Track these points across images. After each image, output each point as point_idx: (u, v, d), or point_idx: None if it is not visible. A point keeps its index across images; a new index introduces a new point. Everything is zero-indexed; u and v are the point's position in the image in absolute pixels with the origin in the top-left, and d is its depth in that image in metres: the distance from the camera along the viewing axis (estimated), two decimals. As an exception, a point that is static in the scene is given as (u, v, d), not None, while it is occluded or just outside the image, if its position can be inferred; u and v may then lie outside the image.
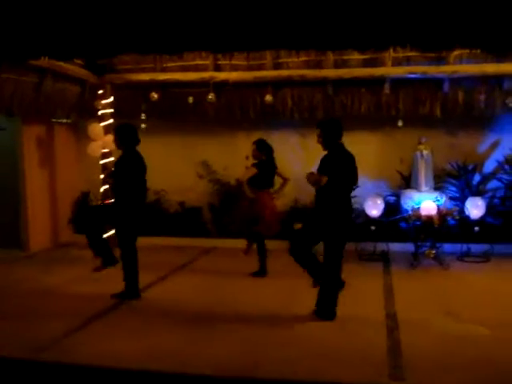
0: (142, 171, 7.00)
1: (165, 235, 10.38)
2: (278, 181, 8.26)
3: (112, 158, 10.07)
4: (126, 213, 6.93)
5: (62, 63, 8.76)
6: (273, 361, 5.04)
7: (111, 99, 10.18)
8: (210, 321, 6.17)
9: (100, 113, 10.09)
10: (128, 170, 6.91)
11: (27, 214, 10.07)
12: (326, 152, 6.23)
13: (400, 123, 9.63)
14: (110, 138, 9.90)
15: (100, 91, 10.09)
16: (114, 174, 7.09)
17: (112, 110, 10.19)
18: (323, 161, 6.19)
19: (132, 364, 4.96)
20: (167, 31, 4.42)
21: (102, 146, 9.93)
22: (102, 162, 10.07)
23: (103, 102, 10.07)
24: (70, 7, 4.20)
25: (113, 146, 9.82)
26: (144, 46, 4.84)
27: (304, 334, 5.72)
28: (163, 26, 4.37)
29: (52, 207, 10.77)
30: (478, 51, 8.67)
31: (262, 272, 8.02)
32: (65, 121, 10.76)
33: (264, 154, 7.91)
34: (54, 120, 10.56)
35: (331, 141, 6.15)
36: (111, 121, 10.12)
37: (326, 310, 6.20)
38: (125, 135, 7.01)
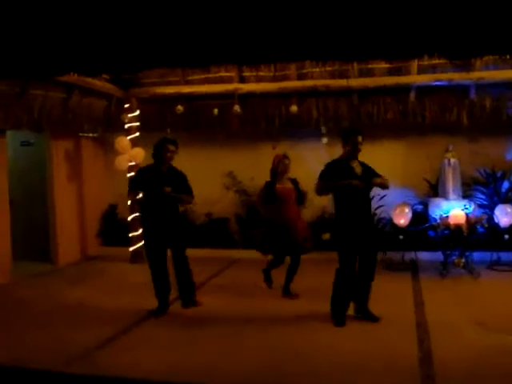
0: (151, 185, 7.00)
1: (192, 247, 10.39)
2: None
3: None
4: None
5: (88, 78, 8.88)
6: (301, 373, 5.02)
7: (137, 113, 10.28)
8: (238, 333, 6.17)
9: (126, 126, 10.21)
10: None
11: (56, 227, 10.20)
12: (357, 159, 6.52)
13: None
14: (136, 151, 10.00)
15: (126, 105, 10.20)
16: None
17: (138, 124, 10.29)
18: (368, 167, 6.55)
19: (161, 376, 4.97)
20: (193, 45, 4.45)
21: (129, 159, 10.02)
22: (128, 175, 10.16)
23: (129, 115, 10.18)
24: (96, 24, 4.26)
25: (139, 159, 9.96)
26: (170, 60, 4.88)
27: (333, 345, 5.69)
28: (189, 39, 4.40)
29: (80, 220, 10.89)
30: (508, 57, 8.58)
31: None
32: (92, 135, 10.91)
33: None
34: (81, 134, 10.70)
35: None
36: (137, 134, 10.22)
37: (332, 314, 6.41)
38: (154, 150, 7.13)
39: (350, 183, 6.27)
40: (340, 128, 9.32)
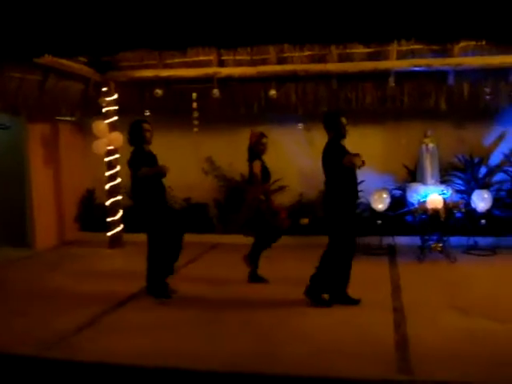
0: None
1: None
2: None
3: (117, 155, 10.08)
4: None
5: (65, 61, 8.76)
6: (282, 357, 5.03)
7: (115, 96, 10.18)
8: (216, 318, 6.17)
9: (104, 110, 10.10)
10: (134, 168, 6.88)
11: (33, 212, 10.09)
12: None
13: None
14: (114, 135, 9.91)
15: (104, 88, 10.09)
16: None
17: (116, 107, 10.19)
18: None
19: (139, 361, 4.95)
20: (170, 27, 4.40)
21: (107, 143, 9.94)
22: (106, 159, 10.08)
23: (107, 99, 10.06)
24: (72, 4, 4.19)
25: (117, 143, 9.87)
26: (147, 42, 4.84)
27: (312, 330, 5.71)
28: (166, 22, 4.36)
29: (57, 205, 10.79)
30: (483, 43, 8.63)
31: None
32: (69, 119, 10.78)
33: None
34: (58, 118, 10.57)
35: None
36: (115, 118, 10.12)
37: (315, 293, 6.49)
38: (131, 134, 7.03)
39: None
40: (320, 112, 9.33)
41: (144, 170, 6.68)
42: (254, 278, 7.64)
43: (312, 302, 6.47)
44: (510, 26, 3.86)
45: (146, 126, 7.03)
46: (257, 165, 7.44)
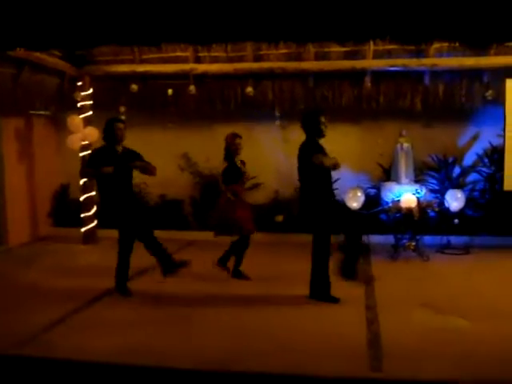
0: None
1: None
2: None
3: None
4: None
5: (39, 54, 8.66)
6: (252, 354, 5.02)
7: (90, 91, 10.09)
8: (190, 314, 6.15)
9: (79, 105, 10.01)
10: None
11: (6, 207, 9.94)
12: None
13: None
14: (89, 130, 9.83)
15: (79, 83, 10.00)
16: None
17: (91, 102, 10.10)
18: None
19: (111, 358, 4.92)
20: (146, 22, 4.37)
21: (82, 138, 9.85)
22: (81, 154, 9.98)
23: (82, 93, 9.97)
24: (45, -3, 4.15)
25: (92, 139, 9.78)
26: (123, 37, 4.78)
27: (284, 328, 5.71)
28: (142, 17, 4.32)
29: (31, 200, 10.66)
30: (457, 44, 8.72)
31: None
32: (43, 113, 10.65)
33: None
34: (32, 112, 10.44)
35: None
36: (90, 113, 10.04)
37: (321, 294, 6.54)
38: (104, 131, 7.04)
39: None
40: (296, 110, 9.36)
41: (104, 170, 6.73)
42: (237, 273, 7.67)
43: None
44: (482, 29, 3.91)
45: (119, 125, 7.03)
46: (223, 166, 7.56)
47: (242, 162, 7.65)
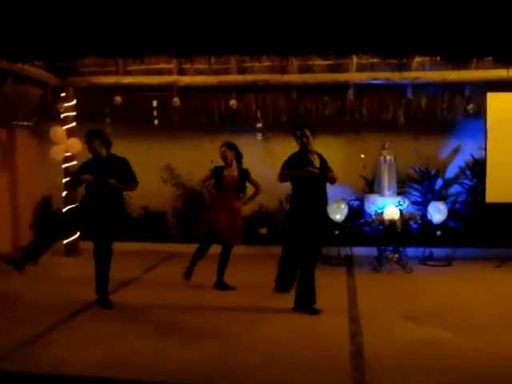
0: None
1: (128, 240, 10.25)
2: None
3: (74, 162, 9.94)
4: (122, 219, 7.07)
5: (22, 65, 8.61)
6: (236, 367, 5.01)
7: (74, 102, 10.06)
8: (173, 327, 6.12)
9: (62, 116, 9.97)
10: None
11: (-13, 218, 9.88)
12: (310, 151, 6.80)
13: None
14: (72, 141, 9.78)
15: (62, 94, 9.96)
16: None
17: (75, 113, 10.07)
18: (325, 161, 6.90)
19: (91, 372, 4.87)
20: (129, 35, 4.38)
21: (65, 149, 9.79)
22: (64, 165, 9.93)
23: (66, 104, 9.94)
24: (27, 8, 4.13)
25: (75, 150, 9.73)
26: (106, 49, 4.78)
27: (266, 340, 5.70)
28: (125, 29, 4.33)
29: (13, 212, 10.56)
30: (438, 59, 8.81)
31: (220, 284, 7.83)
32: (26, 123, 10.59)
33: (235, 157, 7.81)
34: (15, 123, 10.38)
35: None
36: (74, 124, 10.00)
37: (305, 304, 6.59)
38: (105, 139, 7.07)
39: (308, 170, 6.57)
40: (280, 123, 9.42)
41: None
42: (221, 285, 7.70)
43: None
44: (462, 43, 3.95)
45: (86, 138, 7.06)
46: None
47: (242, 171, 7.79)
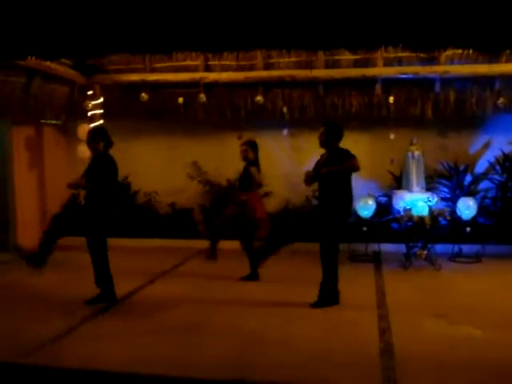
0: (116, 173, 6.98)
1: (155, 237, 10.30)
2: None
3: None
4: (103, 216, 6.96)
5: (50, 64, 8.70)
6: (264, 363, 4.99)
7: (101, 100, 10.11)
8: (203, 323, 6.10)
9: (89, 114, 10.03)
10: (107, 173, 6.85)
11: (16, 216, 9.98)
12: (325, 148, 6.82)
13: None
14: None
15: (89, 92, 10.02)
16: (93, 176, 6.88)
17: (102, 111, 10.12)
18: (337, 155, 6.73)
19: (120, 367, 4.88)
20: (157, 31, 4.36)
21: (92, 147, 9.85)
22: (91, 163, 9.99)
23: (93, 102, 10.00)
24: (56, 6, 4.13)
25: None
26: (133, 45, 4.79)
27: (296, 337, 5.66)
28: (153, 25, 4.31)
29: (41, 209, 10.68)
30: (470, 51, 8.69)
31: (253, 276, 7.89)
32: (54, 122, 10.68)
33: (254, 155, 7.83)
34: (43, 121, 10.48)
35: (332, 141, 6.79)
36: (101, 122, 10.06)
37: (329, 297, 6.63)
38: (103, 137, 6.96)
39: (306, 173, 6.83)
40: (306, 119, 9.37)
41: None
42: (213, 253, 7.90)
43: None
44: (496, 35, 3.87)
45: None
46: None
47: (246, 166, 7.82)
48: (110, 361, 5.05)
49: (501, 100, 9.27)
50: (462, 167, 10.08)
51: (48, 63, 8.60)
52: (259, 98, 9.68)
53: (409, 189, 9.25)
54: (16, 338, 5.62)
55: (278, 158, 10.30)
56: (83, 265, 9.03)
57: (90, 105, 9.97)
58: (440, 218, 8.80)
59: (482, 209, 9.53)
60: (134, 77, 9.91)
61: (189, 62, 9.79)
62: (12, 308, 6.75)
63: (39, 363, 5.01)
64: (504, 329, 5.79)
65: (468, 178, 10.15)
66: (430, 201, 8.83)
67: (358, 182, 9.46)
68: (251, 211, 7.68)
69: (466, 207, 9.06)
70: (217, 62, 9.73)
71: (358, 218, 9.22)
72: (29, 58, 6.15)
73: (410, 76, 9.32)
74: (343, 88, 9.75)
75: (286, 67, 9.60)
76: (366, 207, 9.16)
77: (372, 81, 9.48)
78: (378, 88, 9.50)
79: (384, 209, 9.58)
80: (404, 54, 9.11)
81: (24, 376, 4.88)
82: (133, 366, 4.94)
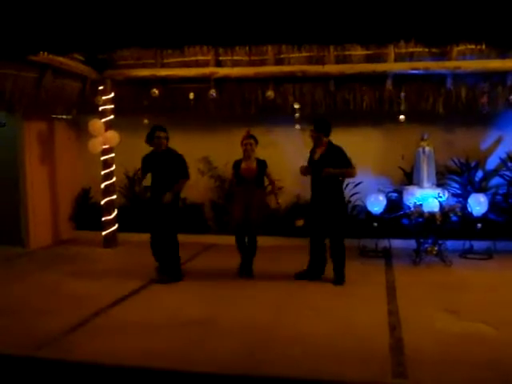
0: None
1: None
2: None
3: (113, 154, 10.05)
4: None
5: (62, 59, 8.73)
6: (276, 359, 5.00)
7: (112, 95, 10.14)
8: (213, 318, 6.12)
9: (100, 109, 10.05)
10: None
11: (28, 210, 10.05)
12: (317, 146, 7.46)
13: (402, 117, 9.52)
14: (110, 134, 9.87)
15: (100, 87, 10.05)
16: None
17: (112, 106, 10.15)
18: (333, 153, 7.29)
19: (132, 361, 4.90)
20: (168, 25, 4.36)
21: (103, 142, 9.89)
22: (102, 158, 10.03)
23: (104, 97, 10.02)
24: (67, 1, 4.14)
25: (113, 143, 9.84)
26: (144, 39, 4.79)
27: (307, 332, 5.67)
28: (164, 19, 4.31)
29: (52, 204, 10.74)
30: (483, 47, 8.63)
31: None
32: (65, 117, 10.73)
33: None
34: (54, 116, 10.52)
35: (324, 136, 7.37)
36: (112, 117, 10.08)
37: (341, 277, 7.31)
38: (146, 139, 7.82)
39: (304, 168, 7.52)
40: (317, 114, 9.35)
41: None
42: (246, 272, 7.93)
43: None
44: (509, 29, 3.84)
45: (158, 133, 7.71)
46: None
47: (260, 163, 7.90)
48: (121, 355, 5.08)
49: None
50: (473, 163, 10.03)
51: (60, 58, 8.63)
52: (270, 94, 9.67)
53: (419, 185, 9.22)
54: (27, 331, 5.68)
55: (289, 154, 10.28)
56: (95, 259, 9.11)
57: (101, 100, 9.99)
58: (451, 214, 8.75)
59: (493, 205, 9.47)
60: (145, 72, 9.91)
61: (199, 57, 9.78)
62: (24, 301, 6.80)
63: (49, 357, 5.04)
64: (514, 325, 5.78)
65: (479, 174, 10.10)
66: (440, 197, 8.80)
67: (368, 177, 9.51)
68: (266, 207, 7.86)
69: (477, 203, 9.02)
70: (228, 58, 9.71)
71: (369, 213, 9.21)
72: (41, 53, 6.15)
73: (421, 71, 9.26)
74: (354, 83, 9.71)
75: (297, 62, 9.57)
76: (376, 203, 9.15)
77: (383, 76, 9.43)
78: (389, 83, 9.45)
79: (395, 205, 9.55)
80: (415, 50, 9.06)
81: (34, 369, 4.91)
82: (144, 360, 4.96)
